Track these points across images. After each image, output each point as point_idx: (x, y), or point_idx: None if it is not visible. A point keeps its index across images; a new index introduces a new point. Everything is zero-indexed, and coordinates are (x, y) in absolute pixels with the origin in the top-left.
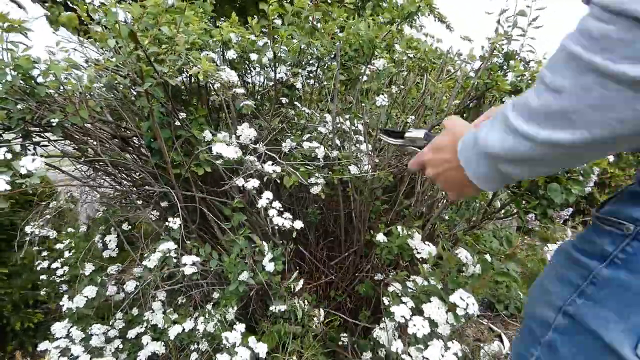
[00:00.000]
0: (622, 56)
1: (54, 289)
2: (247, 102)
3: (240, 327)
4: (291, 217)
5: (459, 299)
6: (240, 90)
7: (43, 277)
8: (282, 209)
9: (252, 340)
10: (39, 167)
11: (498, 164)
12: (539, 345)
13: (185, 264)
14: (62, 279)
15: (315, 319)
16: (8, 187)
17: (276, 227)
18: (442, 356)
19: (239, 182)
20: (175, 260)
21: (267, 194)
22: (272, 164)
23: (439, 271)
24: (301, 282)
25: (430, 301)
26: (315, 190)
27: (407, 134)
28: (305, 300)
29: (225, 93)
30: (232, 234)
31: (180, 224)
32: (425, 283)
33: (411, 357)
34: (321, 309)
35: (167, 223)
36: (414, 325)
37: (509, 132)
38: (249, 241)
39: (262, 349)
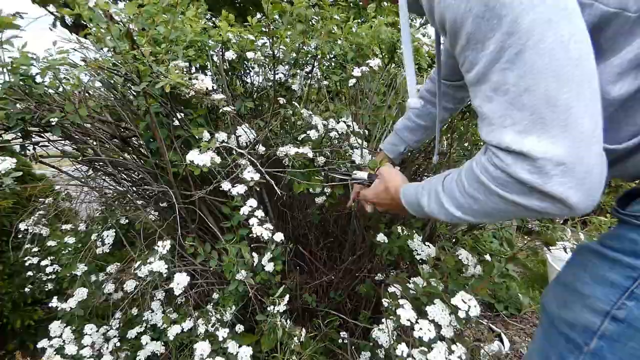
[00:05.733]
0: (513, 191)
1: (39, 287)
2: (227, 108)
3: (223, 332)
4: (272, 227)
5: (460, 302)
6: (219, 96)
7: (29, 273)
8: (264, 219)
9: (232, 345)
10: (8, 168)
11: (436, 218)
12: (581, 354)
13: (177, 283)
14: (49, 277)
15: (295, 338)
16: None
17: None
18: (447, 359)
19: (225, 186)
20: (165, 275)
21: (251, 202)
22: (251, 171)
23: (439, 272)
24: (287, 298)
25: (433, 303)
26: (320, 200)
27: (353, 175)
28: (288, 320)
29: (201, 100)
30: (232, 233)
31: (170, 247)
32: (426, 284)
33: (414, 359)
34: (303, 329)
35: (155, 247)
36: (420, 329)
37: (443, 209)
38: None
39: (245, 352)
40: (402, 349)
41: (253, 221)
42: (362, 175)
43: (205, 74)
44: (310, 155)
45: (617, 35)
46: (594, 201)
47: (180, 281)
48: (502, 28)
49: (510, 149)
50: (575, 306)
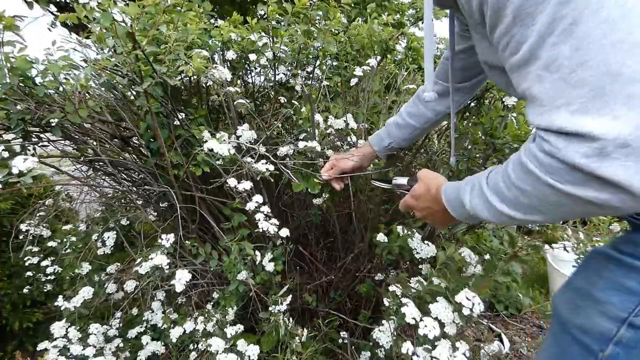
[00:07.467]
0: (566, 180)
1: (38, 287)
2: (241, 101)
3: (231, 330)
4: (278, 223)
5: (465, 299)
6: (234, 89)
7: (29, 273)
8: (270, 214)
9: (241, 342)
10: (31, 167)
11: (479, 218)
12: None
13: (179, 279)
14: (49, 278)
15: (297, 338)
16: None
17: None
18: (452, 356)
19: (231, 182)
20: (167, 272)
21: (257, 198)
22: (265, 163)
23: (445, 271)
24: (289, 298)
25: (436, 301)
26: (318, 201)
27: (393, 181)
28: (290, 318)
29: (218, 91)
30: (232, 234)
31: (173, 241)
32: (434, 282)
33: (419, 357)
34: (305, 329)
35: (160, 240)
36: (425, 326)
37: (487, 203)
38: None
39: (253, 351)
40: (407, 346)
41: (259, 216)
42: (402, 180)
43: None
44: (319, 149)
45: None
46: None
47: (182, 277)
48: None
49: (564, 130)
50: (590, 312)
